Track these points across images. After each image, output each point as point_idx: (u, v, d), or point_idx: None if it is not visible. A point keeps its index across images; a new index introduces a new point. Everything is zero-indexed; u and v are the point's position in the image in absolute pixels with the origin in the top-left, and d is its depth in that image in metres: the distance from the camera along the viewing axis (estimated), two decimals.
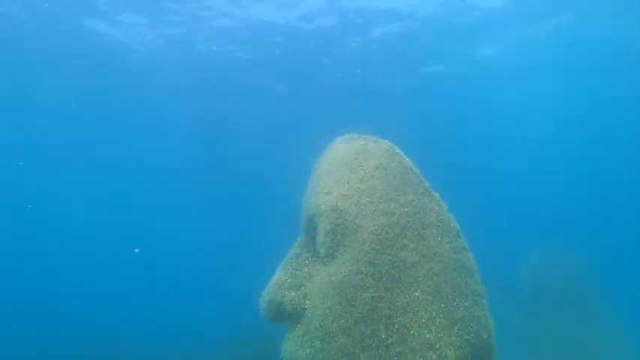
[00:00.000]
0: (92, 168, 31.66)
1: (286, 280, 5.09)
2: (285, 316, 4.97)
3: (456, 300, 4.34)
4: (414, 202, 4.77)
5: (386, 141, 5.27)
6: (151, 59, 18.46)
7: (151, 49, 17.73)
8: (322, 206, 4.92)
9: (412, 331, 4.17)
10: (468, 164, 29.20)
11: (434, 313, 4.25)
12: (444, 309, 4.28)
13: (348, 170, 5.07)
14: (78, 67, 18.89)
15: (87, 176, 33.02)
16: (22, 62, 18.13)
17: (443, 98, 22.56)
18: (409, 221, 4.64)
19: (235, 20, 15.49)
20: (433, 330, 4.18)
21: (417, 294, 4.31)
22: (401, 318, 4.22)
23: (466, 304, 4.36)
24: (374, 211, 4.71)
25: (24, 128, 24.90)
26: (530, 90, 22.43)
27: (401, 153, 5.19)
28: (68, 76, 19.55)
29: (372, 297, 4.30)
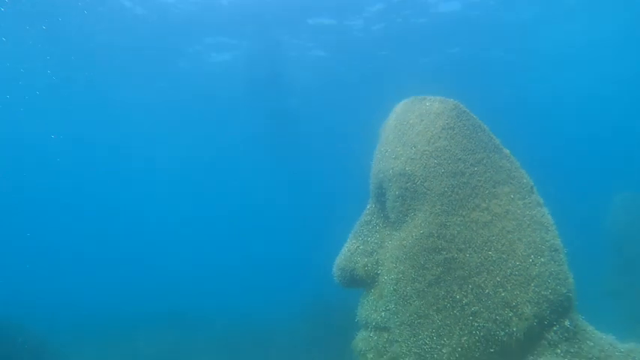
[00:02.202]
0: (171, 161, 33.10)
1: (358, 246, 5.22)
2: (359, 282, 5.12)
3: (532, 257, 4.26)
4: (484, 161, 4.67)
5: (451, 100, 5.13)
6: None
7: None
8: (390, 171, 4.94)
9: (487, 291, 4.17)
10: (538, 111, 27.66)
11: (509, 271, 4.21)
12: (520, 266, 4.22)
13: (415, 133, 5.02)
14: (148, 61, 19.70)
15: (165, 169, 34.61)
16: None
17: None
18: (480, 180, 4.57)
19: None
20: (509, 288, 4.15)
21: (490, 253, 4.28)
22: (475, 278, 4.23)
23: (542, 260, 4.27)
24: (443, 172, 4.67)
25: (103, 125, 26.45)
26: None
27: (468, 111, 5.04)
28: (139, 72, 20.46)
29: (445, 259, 4.33)
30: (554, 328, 4.23)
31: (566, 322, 4.28)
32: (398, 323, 4.43)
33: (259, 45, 20.46)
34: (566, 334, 4.23)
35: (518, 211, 4.50)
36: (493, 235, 4.36)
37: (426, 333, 4.23)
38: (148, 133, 29.98)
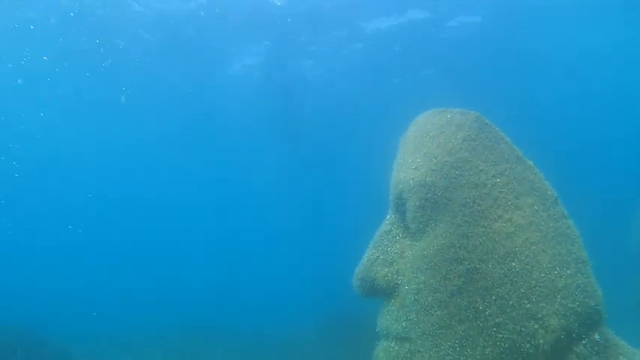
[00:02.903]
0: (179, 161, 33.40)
1: (378, 256, 5.21)
2: (379, 292, 5.10)
3: (557, 269, 4.21)
4: (507, 172, 4.66)
5: (473, 112, 5.15)
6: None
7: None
8: (411, 182, 4.95)
9: (511, 302, 4.12)
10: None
11: (533, 283, 4.16)
12: (545, 278, 4.17)
13: (435, 144, 5.03)
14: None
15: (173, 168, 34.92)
16: None
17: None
18: (502, 192, 4.55)
19: None
20: (534, 300, 4.10)
21: (514, 264, 4.24)
22: (498, 289, 4.19)
23: (569, 272, 4.22)
24: (464, 183, 4.67)
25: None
26: None
27: (489, 123, 5.06)
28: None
29: (467, 269, 4.30)
30: (584, 342, 4.15)
31: (596, 336, 4.21)
32: (419, 333, 4.39)
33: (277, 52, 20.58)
34: (596, 348, 4.14)
35: (543, 223, 4.46)
36: (516, 247, 4.33)
37: (448, 344, 4.19)
38: (164, 147, 30.40)
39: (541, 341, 4.00)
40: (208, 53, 20.40)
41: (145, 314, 21.49)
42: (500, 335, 4.07)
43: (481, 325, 4.13)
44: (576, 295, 4.15)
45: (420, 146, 5.16)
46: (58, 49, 18.70)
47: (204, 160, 33.48)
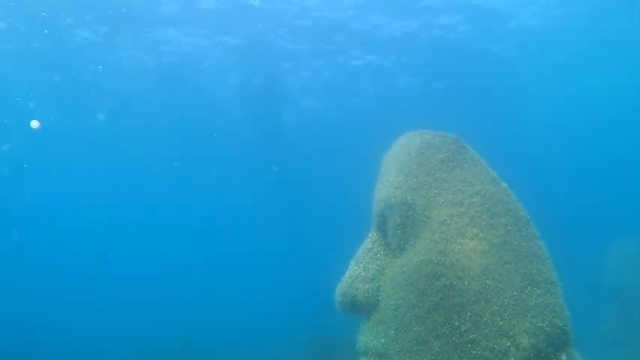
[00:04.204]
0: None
1: (359, 273, 5.32)
2: (360, 309, 5.19)
3: (529, 288, 4.35)
4: (482, 193, 4.84)
5: (451, 135, 5.37)
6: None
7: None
8: (392, 200, 5.10)
9: (485, 319, 4.23)
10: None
11: (506, 300, 4.29)
12: (517, 297, 4.30)
13: (416, 164, 5.22)
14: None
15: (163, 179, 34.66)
16: None
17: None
18: (478, 211, 4.71)
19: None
20: (506, 317, 4.22)
21: (488, 282, 4.37)
22: (473, 306, 4.30)
23: (539, 292, 4.35)
24: (442, 202, 4.84)
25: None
26: None
27: (467, 146, 5.27)
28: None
29: (444, 285, 4.42)
30: None
31: (563, 357, 4.31)
32: (398, 349, 4.47)
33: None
34: None
35: (515, 243, 4.62)
36: (491, 265, 4.47)
37: None
38: (154, 168, 30.28)
39: (512, 359, 4.10)
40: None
41: (129, 340, 21.02)
42: (474, 352, 4.16)
43: (456, 341, 4.22)
44: (545, 314, 4.28)
45: (402, 166, 5.34)
46: None
47: (186, 181, 33.38)
